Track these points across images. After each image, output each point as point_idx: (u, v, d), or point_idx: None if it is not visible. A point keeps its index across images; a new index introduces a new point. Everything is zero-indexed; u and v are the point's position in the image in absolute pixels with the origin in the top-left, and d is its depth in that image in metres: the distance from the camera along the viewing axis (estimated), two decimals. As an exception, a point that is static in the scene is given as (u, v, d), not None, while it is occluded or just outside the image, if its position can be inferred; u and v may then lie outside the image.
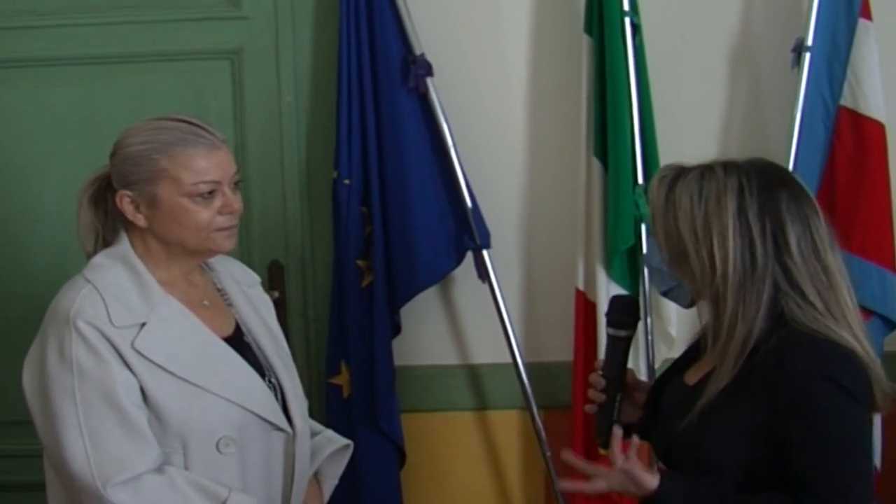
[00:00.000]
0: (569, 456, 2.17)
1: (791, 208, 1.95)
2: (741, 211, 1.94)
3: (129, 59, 3.40)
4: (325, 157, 3.35)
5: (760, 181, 1.96)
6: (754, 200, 1.94)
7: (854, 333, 1.95)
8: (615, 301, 2.30)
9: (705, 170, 2.00)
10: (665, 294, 2.23)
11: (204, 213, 2.19)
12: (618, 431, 2.12)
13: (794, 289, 1.94)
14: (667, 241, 2.04)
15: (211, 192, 2.19)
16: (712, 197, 1.96)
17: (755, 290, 1.94)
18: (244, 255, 3.28)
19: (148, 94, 3.37)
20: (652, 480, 2.00)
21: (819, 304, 1.94)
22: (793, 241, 1.94)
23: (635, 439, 2.08)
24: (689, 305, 2.19)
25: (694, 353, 2.21)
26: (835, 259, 1.98)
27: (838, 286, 1.97)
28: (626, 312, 2.25)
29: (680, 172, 2.03)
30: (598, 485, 2.08)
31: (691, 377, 2.13)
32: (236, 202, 2.23)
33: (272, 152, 3.42)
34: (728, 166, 1.99)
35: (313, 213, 3.45)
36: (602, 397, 2.22)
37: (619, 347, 2.24)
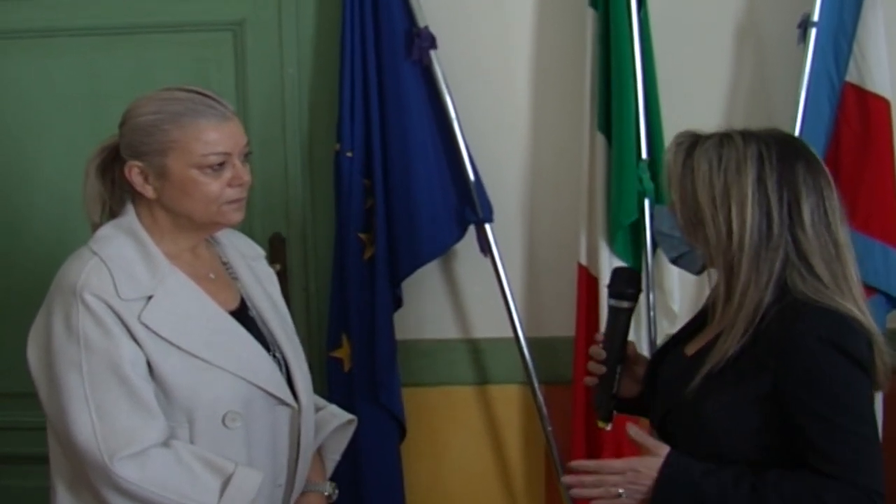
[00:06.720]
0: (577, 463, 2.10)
1: (807, 180, 1.97)
2: (760, 180, 1.95)
3: (130, 31, 3.37)
4: (327, 130, 3.33)
5: (779, 151, 1.98)
6: (773, 170, 1.96)
7: (858, 305, 1.97)
8: (617, 272, 2.30)
9: (724, 137, 2.01)
10: (675, 261, 2.23)
11: (214, 185, 2.17)
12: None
13: (802, 260, 1.96)
14: (682, 206, 2.04)
15: (221, 164, 2.18)
16: (732, 165, 1.97)
17: (769, 259, 1.95)
18: (245, 227, 3.22)
19: (149, 65, 3.34)
20: (661, 446, 1.99)
21: (826, 277, 1.95)
22: (807, 213, 1.95)
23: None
24: (699, 272, 2.19)
25: (694, 326, 2.20)
26: (844, 233, 2.00)
27: (846, 259, 1.99)
28: (628, 283, 2.25)
29: (697, 139, 2.03)
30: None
31: (691, 349, 2.13)
32: (246, 174, 2.22)
33: (274, 124, 3.40)
34: (746, 135, 2.00)
35: (315, 186, 3.43)
36: (602, 369, 2.22)
37: (621, 319, 2.24)
